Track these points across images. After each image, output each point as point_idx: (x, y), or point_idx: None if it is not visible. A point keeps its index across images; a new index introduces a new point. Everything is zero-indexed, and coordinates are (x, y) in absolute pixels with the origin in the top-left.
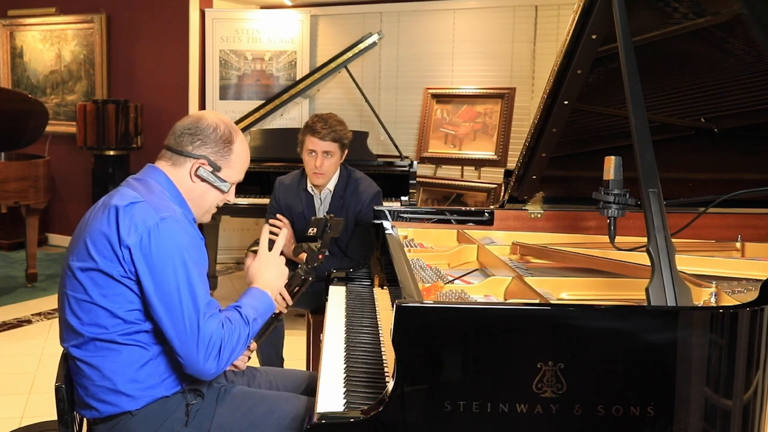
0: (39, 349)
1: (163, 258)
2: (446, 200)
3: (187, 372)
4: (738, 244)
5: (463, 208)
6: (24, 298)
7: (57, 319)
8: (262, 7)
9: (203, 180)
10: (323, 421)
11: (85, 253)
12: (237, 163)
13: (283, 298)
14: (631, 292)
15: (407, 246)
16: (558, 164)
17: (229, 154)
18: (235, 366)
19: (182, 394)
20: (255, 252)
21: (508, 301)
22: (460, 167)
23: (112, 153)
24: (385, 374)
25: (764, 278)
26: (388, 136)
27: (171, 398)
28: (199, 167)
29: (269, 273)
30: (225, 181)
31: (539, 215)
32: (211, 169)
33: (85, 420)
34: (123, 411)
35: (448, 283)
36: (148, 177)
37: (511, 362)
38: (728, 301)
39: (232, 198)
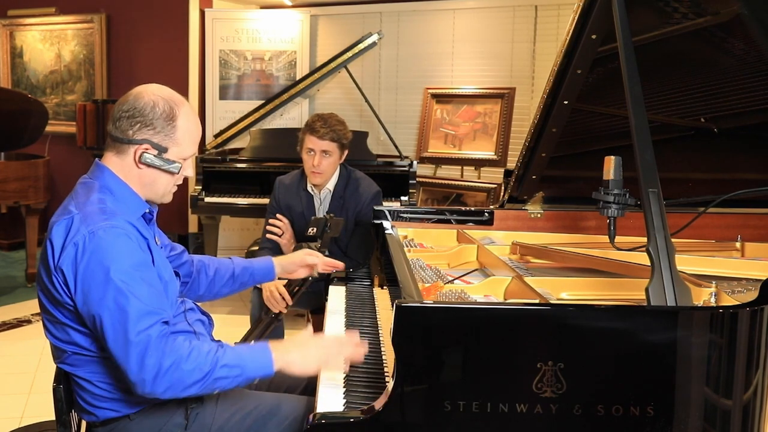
0: (39, 349)
1: (93, 272)
2: (446, 200)
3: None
4: (738, 244)
5: (463, 208)
6: (24, 298)
7: None
8: (262, 7)
9: (149, 166)
10: (323, 421)
11: (40, 275)
12: (185, 139)
13: (283, 298)
14: (631, 292)
15: (407, 246)
16: (558, 164)
17: (173, 132)
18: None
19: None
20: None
21: (508, 301)
22: (460, 167)
23: None
24: (385, 374)
25: (764, 278)
26: (388, 136)
27: (170, 402)
28: (142, 153)
29: (305, 352)
30: (173, 162)
31: (539, 215)
32: (155, 152)
33: (83, 420)
34: (120, 415)
35: (448, 283)
36: (94, 178)
37: (511, 362)
38: (728, 301)
39: (190, 173)
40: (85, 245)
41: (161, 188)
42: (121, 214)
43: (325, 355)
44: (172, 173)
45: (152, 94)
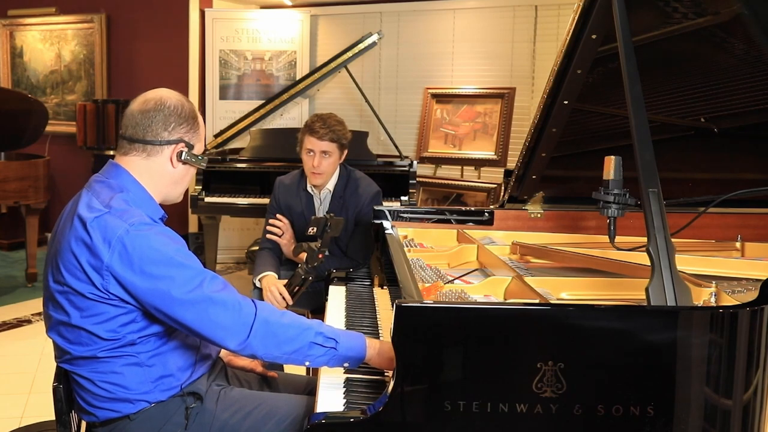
0: (39, 349)
1: (148, 262)
2: (446, 200)
3: (238, 352)
4: (738, 244)
5: (463, 208)
6: (24, 298)
7: None
8: (262, 7)
9: (185, 163)
10: (323, 421)
11: (58, 273)
12: (202, 134)
13: (283, 298)
14: (631, 292)
15: (407, 246)
16: (558, 164)
17: (197, 129)
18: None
19: (181, 398)
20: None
21: (508, 301)
22: (460, 167)
23: (112, 153)
24: (385, 374)
25: (764, 278)
26: (388, 136)
27: (169, 402)
28: (180, 152)
29: (388, 347)
30: (202, 157)
31: (539, 215)
32: (187, 149)
33: (83, 421)
34: (121, 416)
35: (448, 283)
36: (111, 178)
37: (511, 362)
38: (728, 301)
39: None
40: (131, 238)
41: (187, 183)
42: (145, 214)
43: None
44: (201, 167)
45: (174, 96)
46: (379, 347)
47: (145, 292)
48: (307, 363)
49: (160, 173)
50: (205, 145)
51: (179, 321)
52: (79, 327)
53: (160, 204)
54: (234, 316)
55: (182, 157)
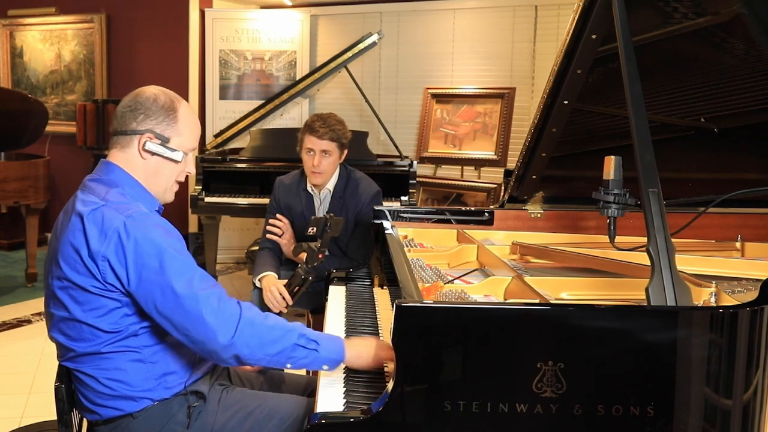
0: (39, 349)
1: (141, 254)
2: (446, 200)
3: (208, 356)
4: (738, 244)
5: (463, 208)
6: (24, 298)
7: None
8: (262, 7)
9: (153, 153)
10: (323, 421)
11: (58, 268)
12: (186, 130)
13: (283, 298)
14: (631, 292)
15: (407, 246)
16: (558, 164)
17: (175, 122)
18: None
19: (184, 396)
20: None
21: (508, 301)
22: (460, 167)
23: None
24: (385, 374)
25: (764, 278)
26: (388, 136)
27: (172, 400)
28: (146, 141)
29: (366, 346)
30: (176, 150)
31: (539, 215)
32: (158, 141)
33: (85, 420)
34: (124, 414)
35: (448, 283)
36: (104, 175)
37: (511, 362)
38: (728, 301)
39: (192, 169)
40: (127, 229)
41: (165, 179)
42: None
43: (374, 351)
44: (175, 161)
45: (153, 89)
46: (357, 349)
47: (135, 283)
48: (288, 365)
49: (135, 165)
50: (205, 145)
51: (165, 315)
52: (80, 321)
53: None
54: (219, 316)
55: (146, 147)
